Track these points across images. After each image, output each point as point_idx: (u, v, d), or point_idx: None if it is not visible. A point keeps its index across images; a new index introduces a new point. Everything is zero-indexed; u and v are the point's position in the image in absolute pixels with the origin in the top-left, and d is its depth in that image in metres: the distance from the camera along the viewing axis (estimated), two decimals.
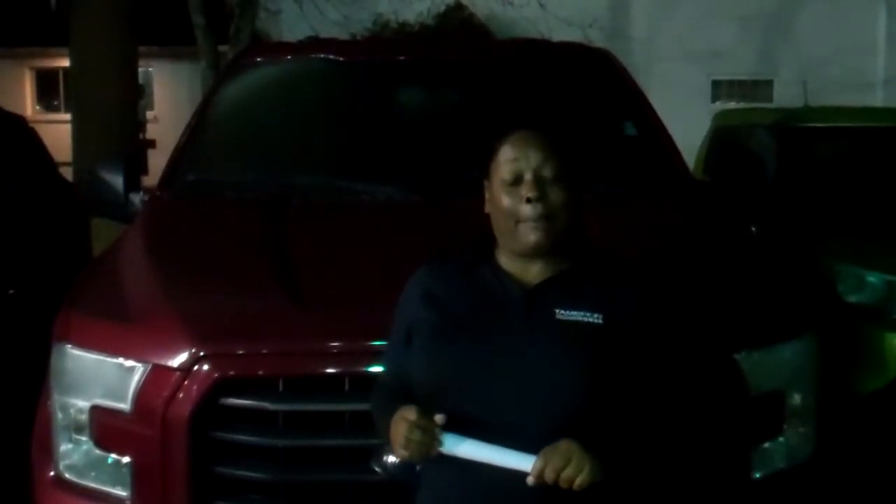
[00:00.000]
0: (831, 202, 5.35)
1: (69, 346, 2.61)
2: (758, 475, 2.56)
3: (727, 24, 17.47)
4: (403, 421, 1.79)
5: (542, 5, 14.95)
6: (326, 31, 10.24)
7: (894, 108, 9.69)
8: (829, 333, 3.17)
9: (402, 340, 1.99)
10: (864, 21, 18.28)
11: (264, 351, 2.47)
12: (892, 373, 4.35)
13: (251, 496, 2.42)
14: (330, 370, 2.42)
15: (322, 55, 4.15)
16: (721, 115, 8.00)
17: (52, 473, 2.64)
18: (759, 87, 18.42)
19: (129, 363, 2.49)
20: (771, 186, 5.02)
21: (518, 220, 1.89)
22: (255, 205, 3.22)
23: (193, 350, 2.43)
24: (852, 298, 4.59)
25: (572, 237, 1.95)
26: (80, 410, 2.55)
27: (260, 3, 14.06)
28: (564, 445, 1.74)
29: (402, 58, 4.13)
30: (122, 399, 2.48)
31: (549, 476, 1.72)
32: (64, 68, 15.78)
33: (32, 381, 2.93)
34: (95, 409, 2.53)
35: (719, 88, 18.82)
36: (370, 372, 2.28)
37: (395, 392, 1.95)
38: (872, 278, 4.58)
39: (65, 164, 8.28)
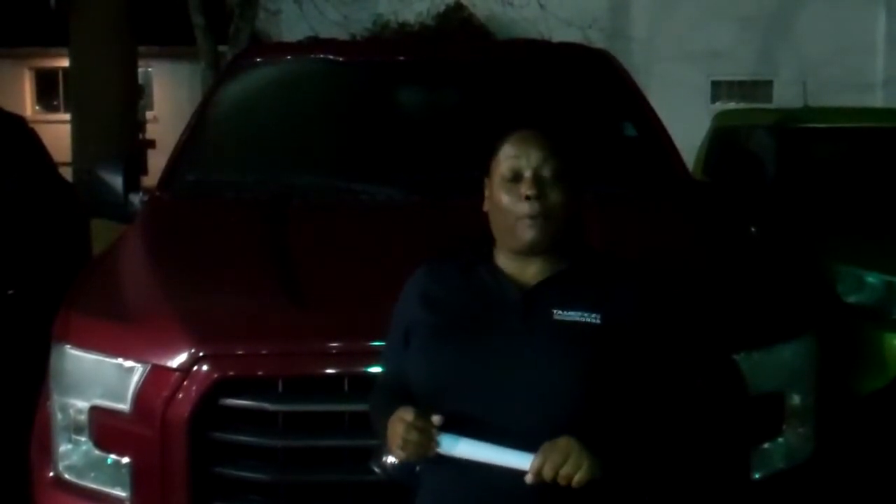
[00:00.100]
0: (831, 203, 5.36)
1: (68, 346, 2.61)
2: (757, 475, 2.56)
3: (727, 24, 17.48)
4: (400, 422, 1.79)
5: (541, 6, 14.96)
6: (326, 32, 10.24)
7: (894, 109, 9.70)
8: (829, 334, 3.18)
9: (400, 341, 1.99)
10: (864, 22, 18.29)
11: (264, 351, 2.47)
12: (891, 373, 4.35)
13: (251, 497, 2.42)
14: (329, 370, 2.42)
15: (322, 55, 4.15)
16: (721, 116, 8.00)
17: (51, 474, 2.64)
18: (758, 88, 18.43)
19: (129, 363, 2.49)
20: (770, 187, 5.03)
21: (516, 218, 1.89)
22: (254, 205, 3.22)
23: (193, 350, 2.43)
24: (852, 299, 4.60)
25: (570, 237, 1.95)
26: (80, 411, 2.55)
27: (260, 4, 14.07)
28: (563, 442, 1.74)
29: (401, 58, 4.13)
30: (121, 399, 2.48)
31: (547, 473, 1.72)
32: (63, 68, 15.79)
33: (32, 382, 2.93)
34: (95, 410, 2.53)
35: (719, 89, 18.83)
36: (369, 372, 2.28)
37: (394, 393, 1.95)
38: (872, 279, 4.58)
39: (64, 164, 8.28)
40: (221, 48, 12.99)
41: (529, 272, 1.93)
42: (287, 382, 2.41)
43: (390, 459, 1.93)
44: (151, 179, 3.95)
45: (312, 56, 4.17)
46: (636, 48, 16.67)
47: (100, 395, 2.52)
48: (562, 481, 1.72)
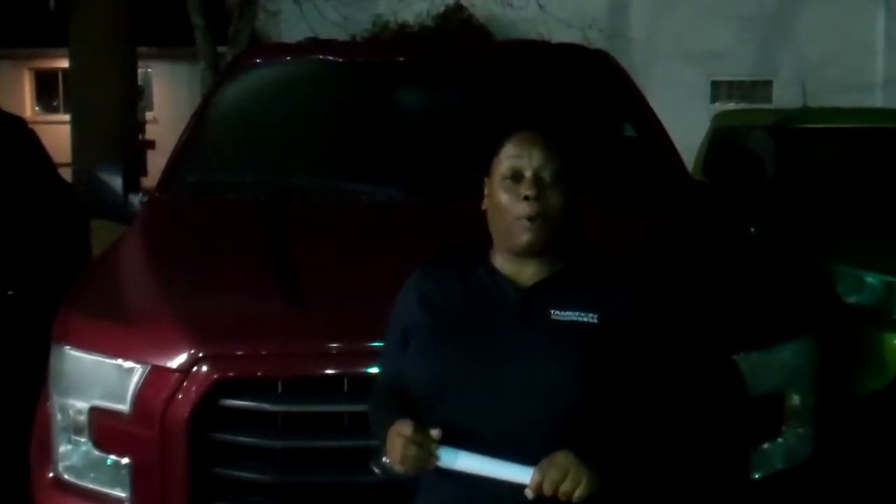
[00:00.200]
0: (830, 203, 5.35)
1: (68, 347, 2.60)
2: (757, 476, 2.56)
3: (726, 24, 17.47)
4: (399, 436, 1.79)
5: (541, 6, 14.94)
6: (326, 32, 10.22)
7: (893, 109, 9.70)
8: (829, 334, 3.18)
9: (398, 343, 1.99)
10: (863, 22, 18.28)
11: (263, 352, 2.47)
12: (891, 373, 4.35)
13: (250, 497, 2.42)
14: (329, 371, 2.42)
15: (321, 56, 4.15)
16: (720, 116, 8.00)
17: (51, 475, 2.64)
18: (758, 88, 18.42)
19: (129, 364, 2.49)
20: (770, 187, 5.03)
21: (513, 217, 1.89)
22: (254, 206, 3.22)
23: (192, 351, 2.43)
24: (851, 299, 4.60)
25: (568, 238, 1.95)
26: (80, 412, 2.55)
27: (259, 4, 14.07)
28: (561, 458, 1.74)
29: (401, 59, 4.14)
30: (121, 400, 2.48)
31: (547, 489, 1.73)
32: (63, 69, 15.79)
33: (32, 383, 2.93)
34: (94, 411, 2.53)
35: (718, 89, 18.83)
36: (369, 373, 2.28)
37: (392, 395, 1.95)
38: (871, 279, 4.58)
39: (64, 165, 8.29)
40: (221, 49, 12.98)
41: (527, 273, 1.93)
42: (287, 383, 2.41)
43: (389, 460, 1.93)
44: (151, 180, 3.95)
45: (312, 57, 4.17)
46: (635, 49, 16.66)
47: (99, 396, 2.52)
48: (562, 497, 1.73)
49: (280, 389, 2.40)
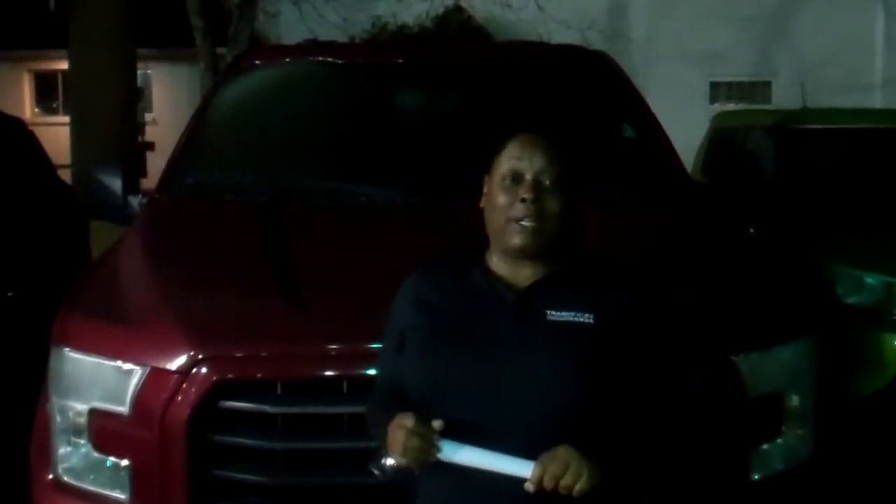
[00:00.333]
0: (830, 204, 5.36)
1: (68, 348, 2.60)
2: (756, 477, 2.56)
3: (726, 25, 17.48)
4: (401, 428, 1.79)
5: (540, 7, 14.95)
6: (325, 34, 10.23)
7: (892, 110, 9.72)
8: (828, 335, 3.18)
9: (395, 346, 1.99)
10: (863, 22, 18.29)
11: (263, 354, 2.47)
12: (890, 374, 4.35)
13: (250, 499, 2.42)
14: (328, 373, 2.42)
15: (321, 58, 4.15)
16: (719, 117, 8.01)
17: (50, 476, 2.64)
18: (757, 89, 18.43)
19: (128, 366, 2.48)
20: (769, 188, 5.03)
21: (509, 219, 1.89)
22: (253, 207, 3.22)
23: (192, 353, 2.43)
24: (851, 300, 4.60)
25: (565, 240, 1.95)
26: (79, 413, 2.55)
27: (258, 6, 14.08)
28: (562, 452, 1.74)
29: (400, 60, 4.14)
30: (120, 402, 2.48)
31: (547, 483, 1.73)
32: (63, 71, 15.79)
33: (31, 384, 2.93)
34: (94, 412, 2.53)
35: (718, 90, 18.84)
36: (368, 375, 2.27)
37: (390, 397, 1.95)
38: (871, 279, 4.58)
39: (63, 166, 8.30)
40: (220, 50, 12.99)
41: (523, 274, 1.93)
42: (286, 385, 2.41)
43: (389, 462, 1.93)
44: (151, 181, 3.95)
45: (311, 58, 4.18)
46: (635, 49, 16.68)
47: (99, 398, 2.52)
48: (563, 491, 1.73)
49: (279, 391, 2.40)
